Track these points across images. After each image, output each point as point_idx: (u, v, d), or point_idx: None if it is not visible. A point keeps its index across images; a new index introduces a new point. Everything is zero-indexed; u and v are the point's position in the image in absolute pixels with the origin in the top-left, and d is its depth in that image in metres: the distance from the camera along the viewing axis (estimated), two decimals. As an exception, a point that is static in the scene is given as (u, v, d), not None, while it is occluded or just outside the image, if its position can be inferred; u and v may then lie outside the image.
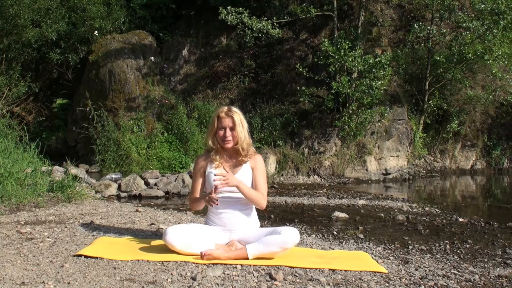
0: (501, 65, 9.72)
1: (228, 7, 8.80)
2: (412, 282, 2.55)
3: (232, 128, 2.90)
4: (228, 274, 2.54)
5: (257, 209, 3.12)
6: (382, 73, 8.37)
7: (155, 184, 6.56)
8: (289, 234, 2.79)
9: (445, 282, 2.58)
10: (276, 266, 2.71)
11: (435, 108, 9.92)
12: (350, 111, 8.54)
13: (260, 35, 9.21)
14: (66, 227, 3.69)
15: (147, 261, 2.71)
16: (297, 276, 2.56)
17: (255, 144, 8.79)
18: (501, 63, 9.37)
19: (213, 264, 2.68)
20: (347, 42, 8.35)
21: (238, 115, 2.93)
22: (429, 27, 9.47)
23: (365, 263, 2.84)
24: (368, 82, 8.32)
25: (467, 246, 3.57)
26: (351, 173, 8.86)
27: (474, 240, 3.79)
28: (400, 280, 2.59)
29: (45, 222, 3.88)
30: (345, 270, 2.68)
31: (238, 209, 2.98)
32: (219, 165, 3.00)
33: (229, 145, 2.94)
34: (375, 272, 2.69)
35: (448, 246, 3.51)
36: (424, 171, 9.99)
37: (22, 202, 4.65)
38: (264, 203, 2.96)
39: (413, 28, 9.46)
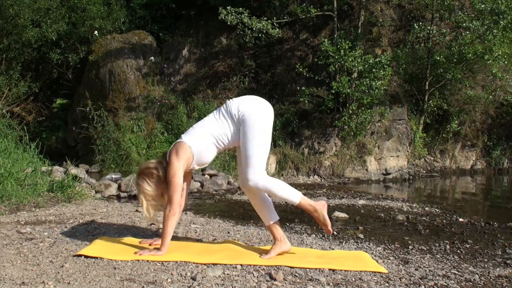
0: (501, 65, 9.71)
1: (228, 7, 8.79)
2: (412, 282, 2.55)
3: None
4: (228, 274, 2.54)
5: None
6: (382, 73, 8.37)
7: (155, 184, 6.53)
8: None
9: (445, 282, 2.58)
10: (276, 266, 2.71)
11: (435, 108, 9.91)
12: (350, 111, 8.54)
13: (260, 35, 9.20)
14: (66, 227, 3.69)
15: (147, 261, 2.71)
16: (297, 276, 2.56)
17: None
18: (501, 63, 9.36)
19: (213, 264, 2.68)
20: (347, 42, 8.34)
21: None
22: (429, 27, 9.46)
23: (365, 263, 2.84)
24: (368, 82, 8.31)
25: (467, 246, 3.57)
26: (351, 173, 8.86)
27: (474, 240, 3.79)
28: (400, 280, 2.59)
29: (45, 222, 3.88)
30: (345, 270, 2.68)
31: None
32: None
33: None
34: (375, 272, 2.69)
35: (448, 246, 3.51)
36: (424, 171, 9.98)
37: (22, 202, 4.65)
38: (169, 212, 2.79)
39: (413, 28, 9.45)
